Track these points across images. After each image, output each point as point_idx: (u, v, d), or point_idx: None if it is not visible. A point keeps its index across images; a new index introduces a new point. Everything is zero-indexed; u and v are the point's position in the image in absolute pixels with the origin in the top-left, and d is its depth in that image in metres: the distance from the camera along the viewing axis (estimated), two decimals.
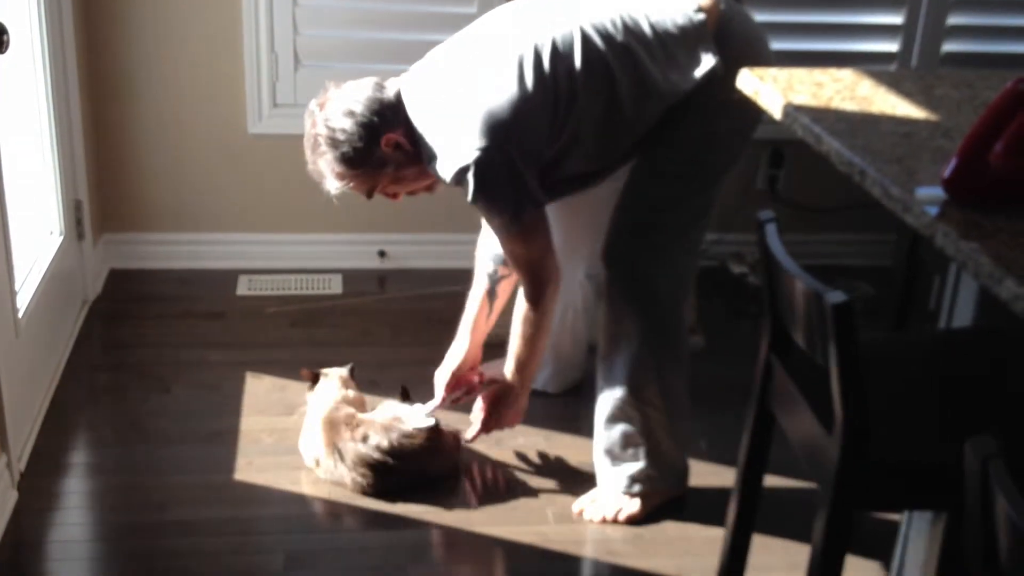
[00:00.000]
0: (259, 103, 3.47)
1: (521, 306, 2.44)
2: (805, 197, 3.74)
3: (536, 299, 2.40)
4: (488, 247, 2.62)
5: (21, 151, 3.01)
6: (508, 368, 2.50)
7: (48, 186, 3.12)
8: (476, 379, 2.67)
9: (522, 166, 2.23)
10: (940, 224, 1.41)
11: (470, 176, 2.21)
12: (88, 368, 3.06)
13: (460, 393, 2.66)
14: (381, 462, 2.49)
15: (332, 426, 2.56)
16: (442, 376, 2.64)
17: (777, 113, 1.88)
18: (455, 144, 2.23)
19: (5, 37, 2.36)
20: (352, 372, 2.75)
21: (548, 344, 2.56)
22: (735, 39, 2.29)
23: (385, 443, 2.50)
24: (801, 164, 3.62)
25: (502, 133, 2.20)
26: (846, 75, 2.01)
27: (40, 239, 3.08)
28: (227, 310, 3.39)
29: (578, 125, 2.26)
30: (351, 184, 2.34)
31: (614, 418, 2.48)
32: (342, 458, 2.52)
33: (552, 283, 2.39)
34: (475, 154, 2.20)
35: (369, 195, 2.38)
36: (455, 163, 2.23)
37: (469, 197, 2.25)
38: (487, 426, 2.56)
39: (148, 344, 3.19)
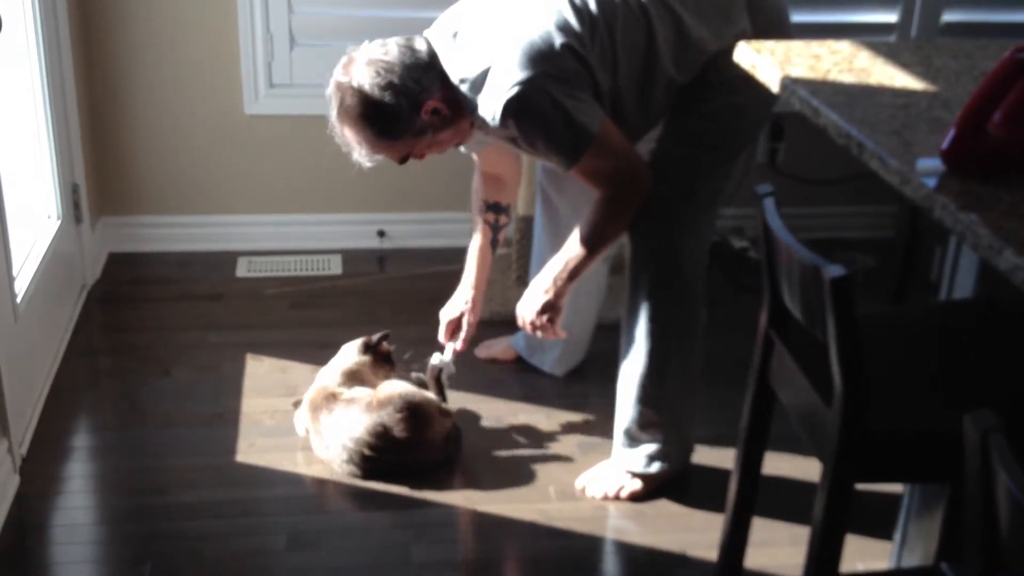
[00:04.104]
0: (255, 83, 3.45)
1: (593, 207, 2.30)
2: (806, 170, 3.73)
3: (619, 200, 2.27)
4: (483, 194, 2.62)
5: (17, 135, 3.01)
6: (549, 273, 2.35)
7: (45, 170, 3.11)
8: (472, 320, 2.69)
9: (568, 92, 2.14)
10: (938, 196, 1.39)
11: (513, 113, 2.13)
12: (88, 352, 3.06)
13: (464, 337, 2.67)
14: (358, 458, 2.51)
15: (315, 409, 2.58)
16: (447, 315, 2.67)
17: (775, 86, 1.86)
18: (494, 85, 2.15)
19: None
20: (380, 342, 2.75)
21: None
22: (767, 10, 2.30)
23: (357, 441, 2.50)
24: (801, 137, 3.60)
25: (540, 63, 2.12)
26: (844, 47, 1.99)
27: (38, 223, 3.07)
28: (226, 292, 3.39)
29: (618, 74, 2.21)
30: (387, 154, 2.28)
31: (634, 395, 2.45)
32: (326, 448, 2.55)
33: (641, 183, 2.27)
34: (514, 90, 2.12)
35: (403, 161, 2.32)
36: (496, 104, 2.15)
37: (518, 136, 2.19)
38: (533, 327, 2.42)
39: (148, 327, 3.19)
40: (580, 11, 2.17)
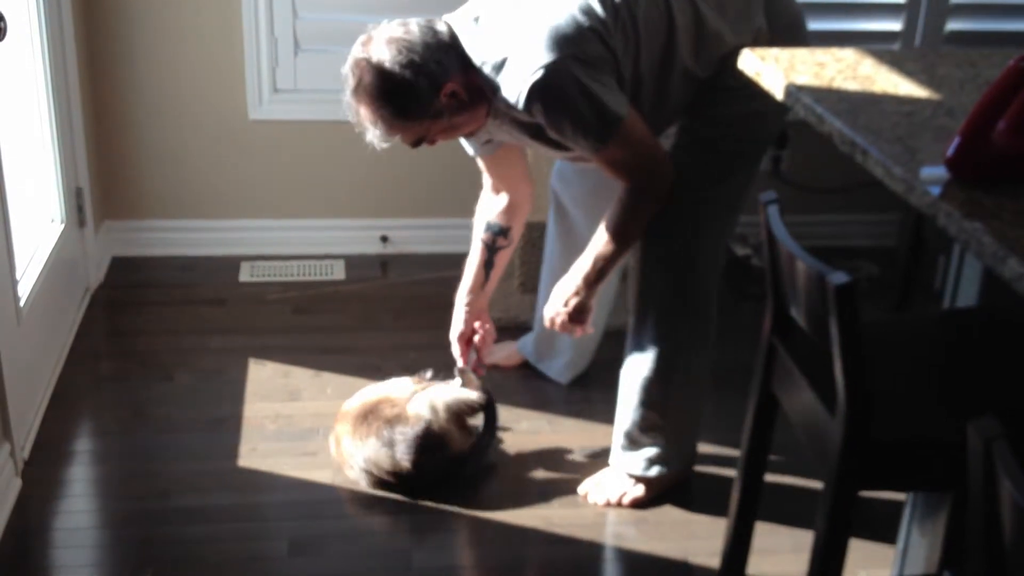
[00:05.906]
0: (259, 89, 3.45)
1: (615, 205, 2.28)
2: (809, 178, 3.72)
3: (644, 191, 2.25)
4: (486, 213, 2.60)
5: (21, 138, 3.01)
6: (577, 273, 2.33)
7: (49, 173, 3.11)
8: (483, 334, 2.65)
9: (594, 76, 2.11)
10: (943, 204, 1.39)
11: (540, 97, 2.11)
12: (91, 356, 3.06)
13: (475, 358, 2.65)
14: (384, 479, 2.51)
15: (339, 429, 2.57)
16: (456, 333, 2.63)
17: (779, 94, 1.86)
18: (518, 68, 2.12)
19: (3, 24, 2.35)
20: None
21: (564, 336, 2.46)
22: (784, 14, 2.30)
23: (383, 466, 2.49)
24: (805, 145, 3.60)
25: (565, 46, 2.09)
26: (848, 55, 2.00)
27: (41, 227, 3.07)
28: (229, 297, 3.39)
29: (640, 62, 2.20)
30: (402, 135, 2.22)
31: (637, 398, 2.45)
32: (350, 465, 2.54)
33: (666, 175, 2.24)
34: (539, 73, 2.09)
35: (415, 145, 2.26)
36: (520, 87, 2.12)
37: (543, 121, 2.16)
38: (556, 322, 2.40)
39: (150, 331, 3.19)
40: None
